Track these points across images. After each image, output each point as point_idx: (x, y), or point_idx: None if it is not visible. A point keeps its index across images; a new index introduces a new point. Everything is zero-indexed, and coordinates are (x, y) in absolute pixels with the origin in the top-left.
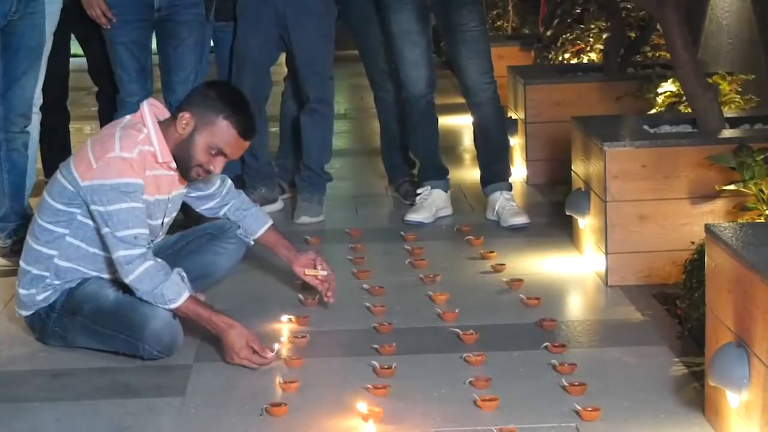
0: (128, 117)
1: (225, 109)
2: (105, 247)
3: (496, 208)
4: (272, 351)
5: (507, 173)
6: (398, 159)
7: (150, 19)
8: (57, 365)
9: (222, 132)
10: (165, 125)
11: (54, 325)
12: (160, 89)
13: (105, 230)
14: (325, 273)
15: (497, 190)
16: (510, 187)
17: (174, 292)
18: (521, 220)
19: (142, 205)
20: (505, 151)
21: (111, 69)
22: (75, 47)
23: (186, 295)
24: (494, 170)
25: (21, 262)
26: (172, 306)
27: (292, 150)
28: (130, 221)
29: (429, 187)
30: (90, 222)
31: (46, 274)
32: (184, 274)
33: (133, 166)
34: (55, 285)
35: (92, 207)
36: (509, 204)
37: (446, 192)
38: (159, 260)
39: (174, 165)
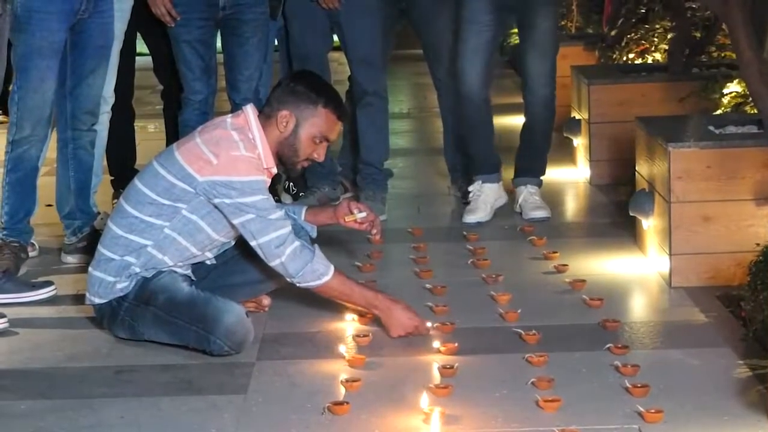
0: (229, 119)
1: (320, 99)
2: (198, 242)
3: (520, 200)
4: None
5: (539, 171)
6: (461, 158)
7: (214, 17)
8: (120, 361)
9: (323, 120)
10: (264, 128)
11: (125, 314)
12: (224, 87)
13: (248, 217)
14: (363, 214)
15: (523, 183)
16: (539, 184)
17: (323, 265)
18: (541, 213)
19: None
20: (544, 152)
21: (176, 67)
22: (140, 46)
23: (333, 268)
24: (527, 166)
25: (104, 251)
26: (324, 279)
27: (352, 148)
28: (272, 206)
29: (480, 182)
30: (193, 217)
31: (133, 260)
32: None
33: (258, 167)
34: (136, 274)
35: (218, 200)
36: (532, 197)
37: (497, 183)
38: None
39: (274, 170)
